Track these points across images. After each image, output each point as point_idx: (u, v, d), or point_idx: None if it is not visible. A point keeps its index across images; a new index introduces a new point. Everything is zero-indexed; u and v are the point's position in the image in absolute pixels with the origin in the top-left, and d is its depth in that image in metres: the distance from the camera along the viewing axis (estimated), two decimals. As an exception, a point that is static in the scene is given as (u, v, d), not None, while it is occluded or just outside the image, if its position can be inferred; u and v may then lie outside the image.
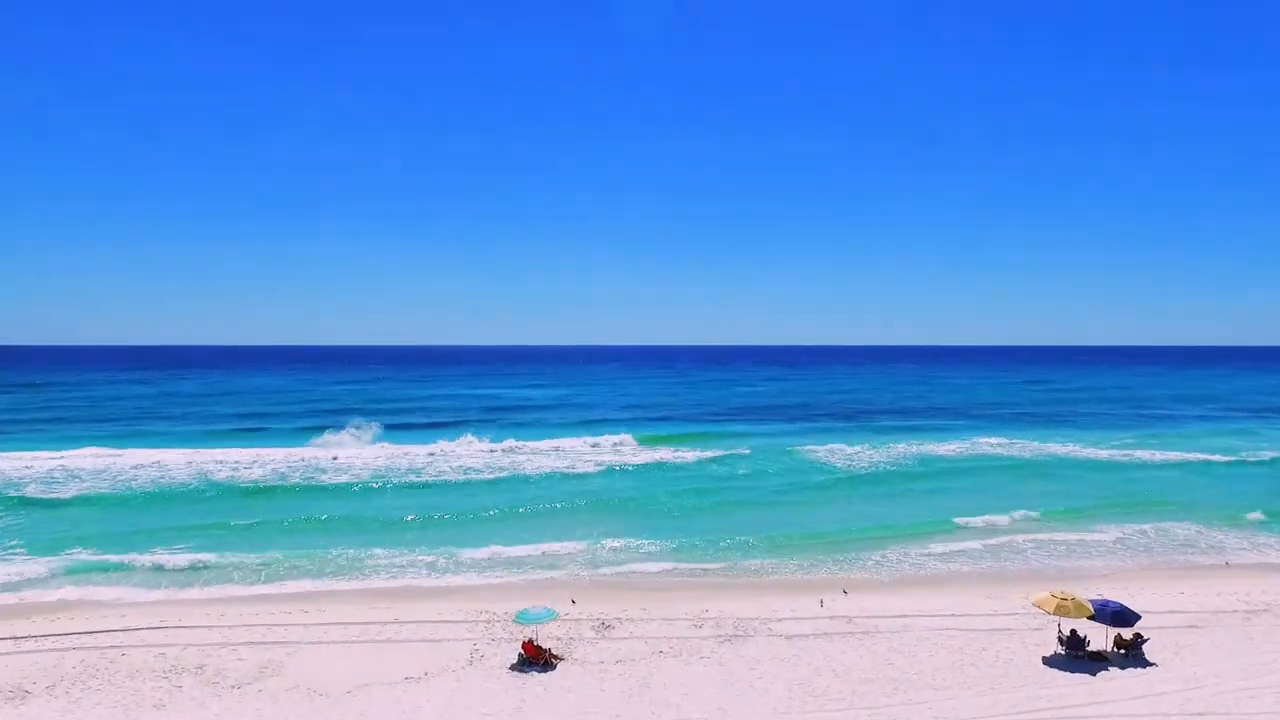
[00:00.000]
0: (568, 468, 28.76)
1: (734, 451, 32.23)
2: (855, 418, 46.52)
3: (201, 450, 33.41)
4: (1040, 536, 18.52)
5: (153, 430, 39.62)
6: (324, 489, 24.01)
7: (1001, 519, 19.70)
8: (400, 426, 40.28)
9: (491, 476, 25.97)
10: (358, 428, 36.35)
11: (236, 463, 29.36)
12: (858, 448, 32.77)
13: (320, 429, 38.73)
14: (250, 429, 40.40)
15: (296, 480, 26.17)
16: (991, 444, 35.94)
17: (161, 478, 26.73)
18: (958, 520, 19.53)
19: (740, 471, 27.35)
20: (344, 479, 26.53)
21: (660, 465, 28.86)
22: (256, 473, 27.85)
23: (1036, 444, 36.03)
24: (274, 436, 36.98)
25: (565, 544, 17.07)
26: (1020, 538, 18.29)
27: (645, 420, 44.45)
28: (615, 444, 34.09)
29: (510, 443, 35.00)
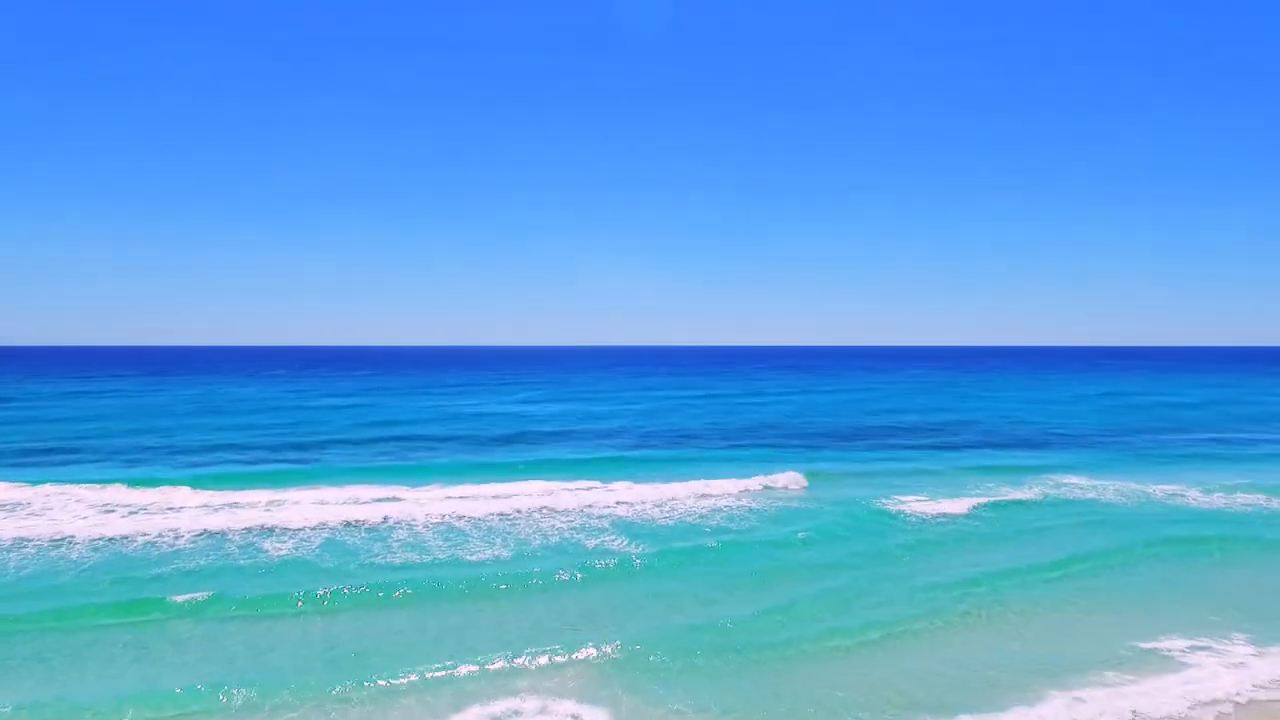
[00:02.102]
0: (571, 531, 22.64)
1: (782, 504, 25.68)
2: (903, 447, 40.41)
3: (140, 491, 27.69)
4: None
5: (91, 465, 33.97)
6: (237, 597, 16.54)
7: (1190, 642, 13.73)
8: (375, 469, 34.36)
9: (478, 555, 19.79)
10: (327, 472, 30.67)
11: (161, 530, 23.25)
12: (925, 499, 26.16)
13: (289, 469, 33.22)
14: (208, 465, 34.64)
15: (231, 551, 20.15)
16: (1075, 486, 29.85)
17: (56, 548, 20.57)
18: (1137, 644, 13.58)
19: (796, 540, 20.46)
20: (285, 549, 20.59)
21: (688, 533, 21.84)
22: (184, 540, 21.93)
23: (1127, 483, 29.73)
24: (233, 479, 30.76)
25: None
26: (1242, 690, 12.01)
27: (665, 448, 38.56)
28: (633, 499, 26.79)
29: (505, 488, 29.11)
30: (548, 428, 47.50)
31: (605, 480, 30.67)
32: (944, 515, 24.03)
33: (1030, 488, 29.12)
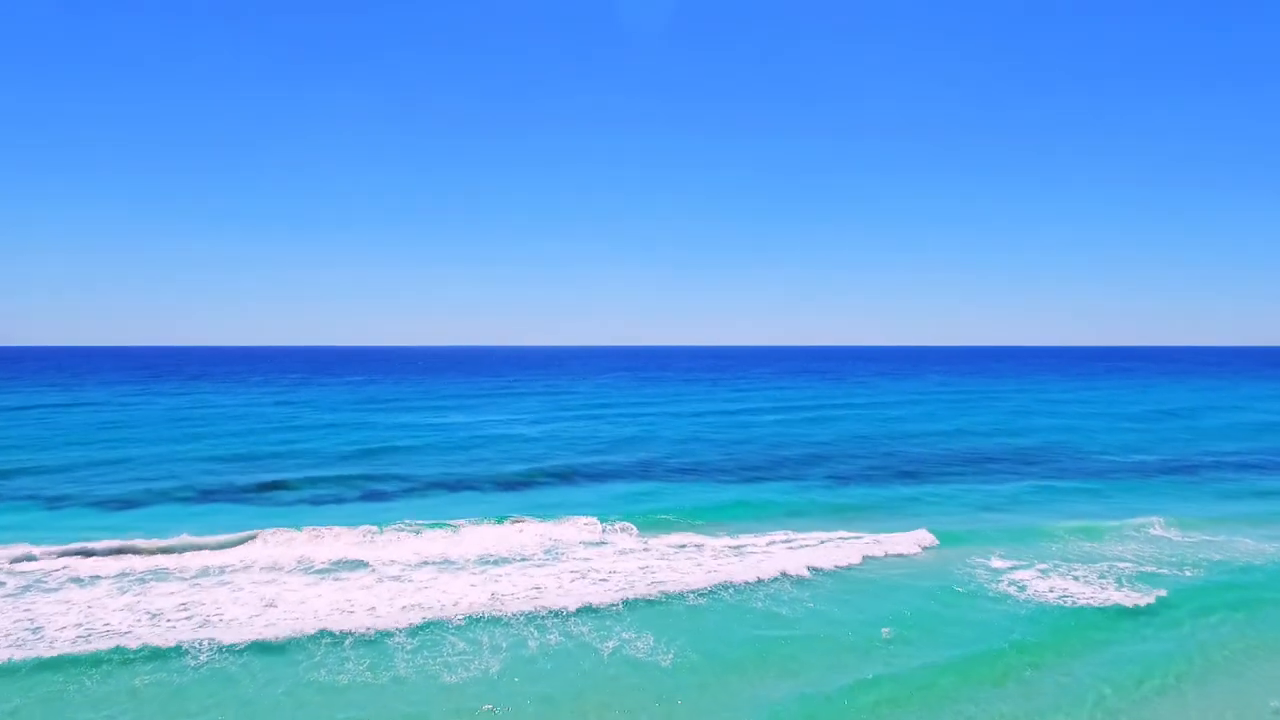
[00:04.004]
0: (576, 625, 16.20)
1: (882, 588, 18.73)
2: (996, 477, 34.72)
3: (46, 552, 21.79)
4: None
5: (7, 508, 28.29)
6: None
7: None
8: (345, 515, 28.32)
9: (455, 675, 13.87)
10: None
11: (28, 643, 17.34)
12: (1087, 580, 19.32)
13: (244, 512, 27.59)
14: (149, 505, 28.91)
15: (116, 683, 14.66)
16: (1222, 544, 23.32)
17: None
18: None
19: (939, 668, 13.89)
20: (202, 661, 14.91)
21: (751, 650, 15.29)
22: (61, 651, 16.05)
23: (1267, 543, 23.90)
24: (172, 531, 24.85)
25: None
26: None
27: (695, 483, 32.57)
28: (664, 579, 19.93)
29: (495, 545, 23.13)
30: (552, 461, 39.45)
31: (615, 524, 25.29)
32: (1125, 609, 17.41)
33: (1188, 553, 22.80)
